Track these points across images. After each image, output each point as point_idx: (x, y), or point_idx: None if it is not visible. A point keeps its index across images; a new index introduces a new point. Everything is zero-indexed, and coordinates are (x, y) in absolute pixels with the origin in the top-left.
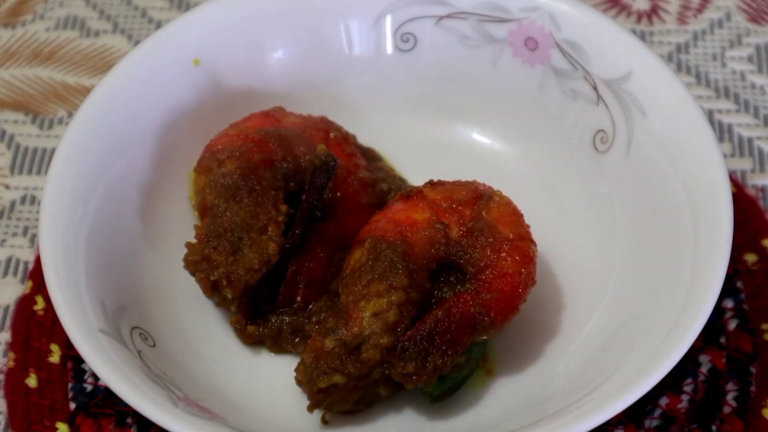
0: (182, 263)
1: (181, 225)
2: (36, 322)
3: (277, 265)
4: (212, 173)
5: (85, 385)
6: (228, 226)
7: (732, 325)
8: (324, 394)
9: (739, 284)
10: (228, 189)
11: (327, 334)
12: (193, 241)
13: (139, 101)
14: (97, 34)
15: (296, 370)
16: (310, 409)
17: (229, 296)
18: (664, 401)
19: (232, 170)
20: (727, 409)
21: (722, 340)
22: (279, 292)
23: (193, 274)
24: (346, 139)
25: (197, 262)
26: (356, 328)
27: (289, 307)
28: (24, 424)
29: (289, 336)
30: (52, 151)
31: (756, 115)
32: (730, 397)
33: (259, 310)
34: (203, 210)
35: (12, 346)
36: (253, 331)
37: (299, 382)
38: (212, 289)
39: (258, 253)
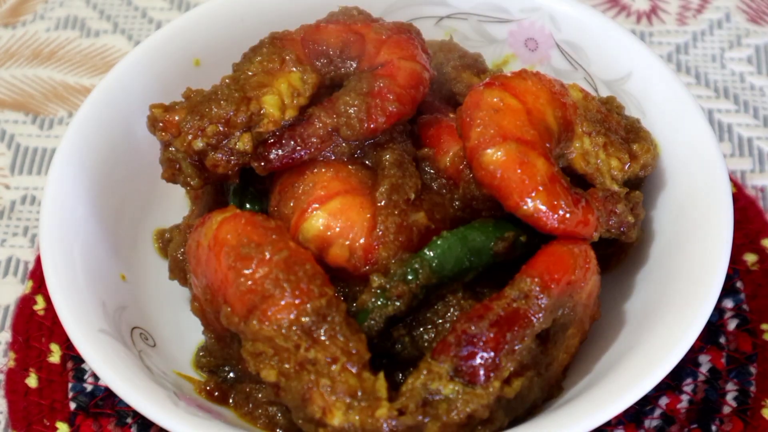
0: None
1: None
2: (36, 322)
3: None
4: None
5: (85, 385)
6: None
7: (732, 325)
8: None
9: (739, 284)
10: None
11: None
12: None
13: (139, 101)
14: (97, 34)
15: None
16: None
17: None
18: (664, 401)
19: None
20: (727, 409)
21: (722, 340)
22: None
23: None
24: None
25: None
26: None
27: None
28: (24, 424)
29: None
30: (52, 151)
31: (756, 116)
32: (730, 397)
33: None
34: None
35: (12, 346)
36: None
37: None
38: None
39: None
